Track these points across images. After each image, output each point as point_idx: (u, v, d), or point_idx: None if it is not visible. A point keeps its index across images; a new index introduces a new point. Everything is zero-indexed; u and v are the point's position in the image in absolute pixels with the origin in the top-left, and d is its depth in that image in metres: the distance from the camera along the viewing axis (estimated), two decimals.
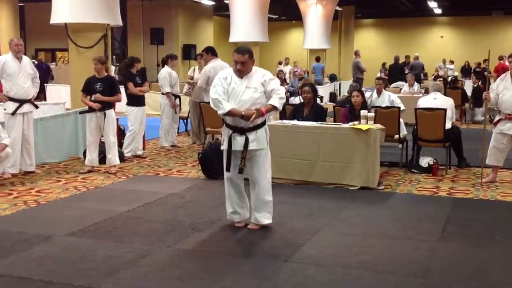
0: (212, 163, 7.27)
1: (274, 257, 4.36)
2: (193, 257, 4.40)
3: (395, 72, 17.56)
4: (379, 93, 9.42)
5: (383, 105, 8.94)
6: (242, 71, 4.83)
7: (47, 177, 7.37)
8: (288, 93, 13.92)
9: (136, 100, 8.89)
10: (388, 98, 9.19)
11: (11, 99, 7.34)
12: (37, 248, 4.56)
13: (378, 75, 16.99)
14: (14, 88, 7.33)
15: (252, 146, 4.87)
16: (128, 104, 8.93)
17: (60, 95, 15.21)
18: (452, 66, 24.10)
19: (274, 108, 4.84)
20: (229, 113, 4.80)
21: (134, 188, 6.81)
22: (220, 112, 4.81)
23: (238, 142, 4.88)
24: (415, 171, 7.75)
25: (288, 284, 3.87)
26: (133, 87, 8.80)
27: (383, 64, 21.65)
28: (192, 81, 10.23)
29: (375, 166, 6.67)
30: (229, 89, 4.83)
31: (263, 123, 4.97)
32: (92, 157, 7.73)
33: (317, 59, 20.40)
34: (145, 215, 5.55)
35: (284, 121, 7.48)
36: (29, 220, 5.41)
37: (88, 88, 7.74)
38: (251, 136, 4.86)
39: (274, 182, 6.93)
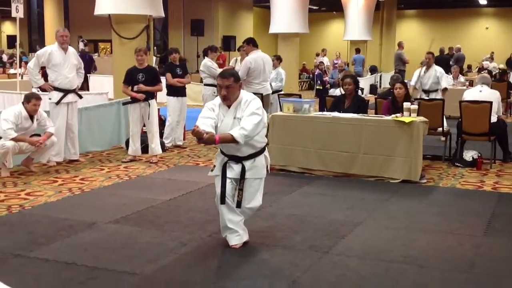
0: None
1: (315, 249, 4.34)
2: (232, 247, 4.41)
3: (441, 64, 17.12)
4: (428, 67, 9.77)
5: (429, 82, 9.66)
6: (227, 97, 4.17)
7: (91, 166, 7.52)
8: (329, 85, 13.79)
9: (174, 91, 8.94)
10: (435, 73, 9.71)
11: (56, 89, 7.50)
12: (82, 234, 4.66)
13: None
14: (59, 78, 7.48)
15: (247, 175, 4.26)
16: (168, 94, 9.01)
17: (103, 85, 15.50)
18: (492, 64, 23.27)
19: (232, 139, 4.01)
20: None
21: (175, 178, 6.88)
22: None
23: (234, 170, 4.27)
24: (459, 165, 7.60)
25: (330, 275, 3.85)
26: (171, 77, 8.85)
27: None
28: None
29: (417, 159, 6.56)
30: (218, 121, 4.22)
31: (263, 150, 4.35)
32: (136, 146, 7.85)
33: (357, 51, 20.16)
34: (186, 204, 5.60)
35: (325, 113, 7.42)
36: (73, 207, 5.53)
37: (130, 79, 7.84)
38: (248, 164, 4.27)
39: (315, 174, 6.93)
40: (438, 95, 9.90)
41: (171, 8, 22.21)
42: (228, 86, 4.15)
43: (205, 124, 4.09)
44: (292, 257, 4.16)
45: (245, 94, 4.27)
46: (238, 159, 4.27)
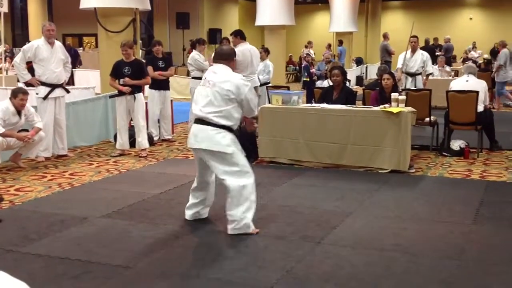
0: (241, 146, 7.26)
1: (307, 239, 4.38)
2: (226, 239, 4.43)
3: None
4: (413, 51, 10.09)
5: (416, 65, 10.09)
6: None
7: (80, 160, 7.48)
8: (316, 76, 13.83)
9: (156, 84, 8.83)
10: (421, 57, 9.98)
11: (43, 84, 7.45)
12: (74, 229, 4.65)
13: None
14: (46, 73, 7.43)
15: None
16: (149, 87, 8.92)
17: (88, 80, 15.38)
18: (477, 54, 23.50)
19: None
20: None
21: (165, 171, 6.87)
22: None
23: None
24: (446, 154, 7.67)
25: (323, 265, 3.88)
26: (152, 71, 8.75)
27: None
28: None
29: (406, 149, 6.62)
30: None
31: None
32: (123, 140, 7.82)
33: (341, 42, 20.23)
34: (177, 198, 5.60)
35: (314, 104, 7.45)
36: (64, 202, 5.51)
37: (117, 72, 7.80)
38: None
39: (304, 165, 6.97)
40: (421, 80, 10.18)
41: (156, 1, 22.08)
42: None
43: None
44: (285, 248, 4.19)
45: None
46: None
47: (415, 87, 10.04)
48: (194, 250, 4.21)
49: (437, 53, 16.53)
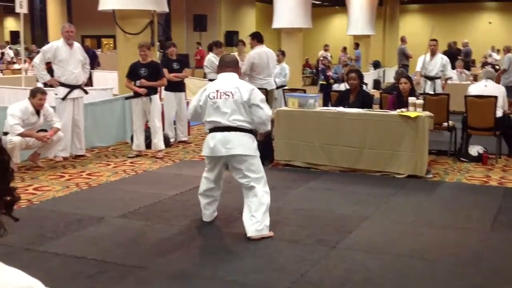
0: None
1: (322, 243, 4.36)
2: (241, 241, 4.43)
3: (450, 59, 17.02)
4: (432, 54, 10.03)
5: (436, 69, 10.00)
6: None
7: (97, 161, 7.54)
8: (332, 80, 13.80)
9: (171, 86, 8.79)
10: (441, 61, 10.08)
11: (62, 85, 7.52)
12: (91, 228, 4.68)
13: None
14: (65, 74, 7.50)
15: None
16: (165, 89, 8.93)
17: (106, 81, 15.49)
18: (498, 57, 23.26)
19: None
20: None
21: (181, 173, 6.90)
22: None
23: None
24: (464, 159, 7.60)
25: (337, 269, 3.87)
26: (167, 73, 8.74)
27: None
28: None
29: (423, 154, 6.57)
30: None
31: None
32: (139, 141, 7.87)
33: (358, 45, 20.16)
34: (193, 199, 5.60)
35: (330, 108, 7.43)
36: (81, 201, 5.56)
37: (133, 74, 7.84)
38: None
39: (320, 169, 6.95)
40: (440, 84, 10.14)
41: (174, 3, 22.18)
42: None
43: None
44: (299, 252, 4.19)
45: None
46: None
47: (434, 91, 9.99)
48: (209, 251, 4.22)
49: (460, 58, 16.34)
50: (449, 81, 10.92)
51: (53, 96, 7.68)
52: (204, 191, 4.85)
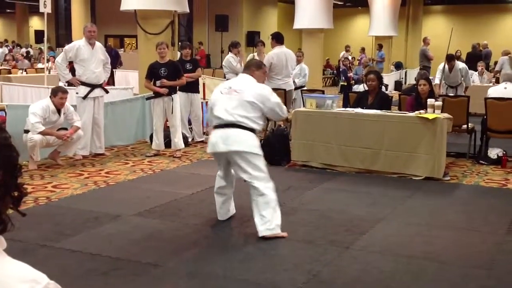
0: (274, 149, 7.31)
1: (336, 244, 4.37)
2: (254, 241, 4.46)
3: (473, 60, 16.84)
4: (451, 69, 10.23)
5: (458, 79, 10.25)
6: None
7: (116, 159, 7.64)
8: (353, 81, 13.77)
9: (184, 86, 8.67)
10: (460, 72, 10.19)
11: (83, 84, 7.63)
12: (107, 226, 4.75)
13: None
14: (86, 73, 7.61)
15: None
16: (178, 89, 8.90)
17: (128, 80, 15.66)
18: None
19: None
20: None
21: (198, 172, 6.95)
22: None
23: None
24: (483, 162, 7.52)
25: (350, 270, 3.87)
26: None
27: (456, 52, 20.92)
28: None
29: (441, 156, 6.52)
30: None
31: None
32: (159, 141, 7.94)
33: (381, 47, 20.05)
34: (209, 198, 5.63)
35: (348, 109, 7.42)
36: (99, 199, 5.65)
37: (153, 74, 7.91)
38: None
39: (337, 170, 6.94)
40: (462, 90, 10.17)
41: (196, 4, 22.32)
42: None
43: None
44: (312, 252, 4.20)
45: None
46: None
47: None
48: (222, 250, 4.25)
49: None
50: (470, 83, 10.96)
51: (74, 95, 7.79)
52: (217, 189, 4.91)
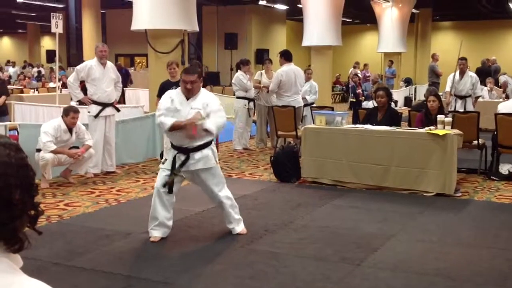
0: (284, 166, 7.34)
1: (347, 261, 4.36)
2: (265, 258, 4.46)
3: (483, 76, 16.82)
4: (462, 73, 10.06)
5: (466, 88, 10.09)
6: (190, 91, 4.74)
7: (127, 177, 7.68)
8: (363, 97, 13.79)
9: None
10: (470, 80, 9.99)
11: (95, 103, 7.71)
12: (118, 243, 4.78)
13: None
14: (98, 92, 7.69)
15: (198, 165, 4.75)
16: None
17: (138, 98, 15.79)
18: None
19: (208, 132, 4.68)
20: (172, 128, 4.68)
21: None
22: (164, 128, 4.73)
23: (181, 161, 4.77)
24: (495, 178, 7.49)
25: (362, 287, 3.86)
26: None
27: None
28: (261, 86, 10.18)
29: (452, 172, 6.50)
30: (173, 110, 4.74)
31: (209, 143, 4.84)
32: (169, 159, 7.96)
33: (392, 63, 20.10)
34: (219, 216, 5.64)
35: (357, 125, 7.43)
36: (110, 217, 5.68)
37: (164, 92, 7.94)
38: (197, 155, 4.74)
39: (347, 186, 6.94)
40: (471, 102, 10.05)
41: (206, 22, 22.52)
42: (193, 82, 4.70)
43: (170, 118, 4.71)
44: (323, 269, 4.19)
45: (202, 90, 4.85)
46: (186, 151, 4.74)
47: (465, 109, 9.94)
48: (233, 267, 4.25)
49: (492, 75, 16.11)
50: (480, 99, 10.86)
51: (86, 113, 7.87)
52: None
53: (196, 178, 4.91)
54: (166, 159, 4.89)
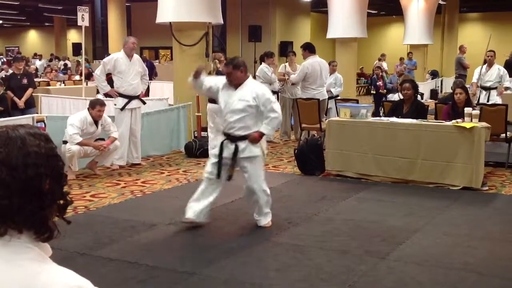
0: (308, 159, 7.31)
1: (372, 254, 4.33)
2: (289, 250, 4.46)
3: (511, 68, 16.49)
4: (490, 65, 10.24)
5: (492, 79, 10.21)
6: (231, 81, 4.94)
7: (152, 169, 7.74)
8: (384, 90, 13.69)
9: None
10: (498, 72, 10.14)
11: (121, 95, 7.77)
12: (144, 235, 4.82)
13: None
14: (124, 85, 7.74)
15: (243, 154, 4.90)
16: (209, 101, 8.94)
17: (163, 91, 15.85)
18: None
19: (263, 134, 4.91)
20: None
21: (235, 182, 6.95)
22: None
23: (229, 149, 4.92)
24: None
25: (386, 281, 3.83)
26: None
27: (485, 61, 20.57)
28: (286, 77, 10.12)
29: (479, 166, 6.41)
30: (223, 99, 4.97)
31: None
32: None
33: (411, 55, 19.93)
34: (244, 208, 5.67)
35: (383, 118, 7.36)
36: (135, 208, 5.73)
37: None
38: (243, 144, 4.89)
39: (372, 179, 6.89)
40: (495, 94, 10.26)
41: (230, 15, 22.50)
42: (229, 73, 4.91)
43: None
44: (348, 262, 4.17)
45: (249, 80, 5.00)
46: (234, 139, 4.89)
47: (488, 101, 9.94)
48: (258, 259, 4.26)
49: None
50: (508, 91, 10.75)
51: (112, 106, 7.95)
52: None
53: (241, 166, 5.04)
54: (214, 145, 5.16)
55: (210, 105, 8.80)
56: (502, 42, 24.70)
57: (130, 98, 7.78)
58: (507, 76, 10.55)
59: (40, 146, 1.23)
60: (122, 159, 7.78)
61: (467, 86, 9.11)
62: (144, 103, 8.15)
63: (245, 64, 4.98)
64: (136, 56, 7.98)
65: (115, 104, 7.84)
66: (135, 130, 7.92)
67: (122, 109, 7.74)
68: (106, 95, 8.46)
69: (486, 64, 10.27)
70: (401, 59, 19.42)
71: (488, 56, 10.20)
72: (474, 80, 10.48)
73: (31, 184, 1.20)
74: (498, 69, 10.39)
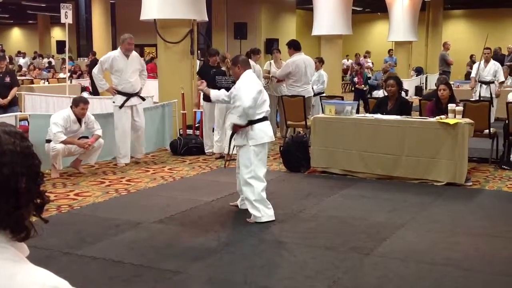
0: (293, 156, 7.32)
1: (356, 250, 4.35)
2: (274, 247, 4.47)
3: None
4: (486, 62, 11.31)
5: (490, 74, 11.19)
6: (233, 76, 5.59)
7: (136, 167, 7.69)
8: (362, 85, 13.83)
9: (207, 96, 8.71)
10: (494, 67, 11.15)
11: (119, 93, 7.72)
12: (128, 233, 4.79)
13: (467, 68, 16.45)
14: (122, 82, 7.69)
15: (234, 142, 5.31)
16: (203, 99, 8.84)
17: (147, 89, 15.74)
18: None
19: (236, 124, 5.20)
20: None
21: (218, 179, 6.97)
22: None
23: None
24: (506, 167, 7.43)
25: (371, 277, 3.85)
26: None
27: (471, 56, 20.76)
28: (270, 75, 10.09)
29: (462, 162, 6.46)
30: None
31: (252, 122, 5.16)
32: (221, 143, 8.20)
33: (391, 52, 20.05)
34: (229, 205, 5.68)
35: (367, 114, 7.39)
36: (120, 207, 5.70)
37: (203, 74, 8.23)
38: (240, 133, 5.22)
39: (357, 176, 6.91)
40: (494, 88, 11.30)
41: (215, 12, 22.44)
42: (231, 70, 5.55)
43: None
44: (333, 258, 4.18)
45: (246, 74, 5.30)
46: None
47: (490, 94, 10.98)
48: (243, 257, 4.26)
49: (506, 63, 15.97)
50: (507, 88, 11.75)
51: (111, 103, 7.91)
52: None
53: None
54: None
55: (204, 103, 8.77)
56: (485, 39, 24.80)
57: (129, 95, 7.74)
58: (501, 70, 11.42)
59: (16, 144, 1.21)
60: (126, 157, 7.76)
61: (451, 82, 9.26)
62: (143, 99, 8.11)
63: (243, 61, 5.37)
64: (134, 53, 7.92)
65: (113, 102, 7.80)
66: (138, 125, 7.86)
67: (121, 107, 7.68)
68: (92, 93, 8.39)
69: (484, 60, 11.20)
70: (390, 50, 19.54)
71: (485, 54, 11.15)
72: (473, 75, 11.39)
73: (6, 183, 1.18)
74: (494, 64, 11.35)
